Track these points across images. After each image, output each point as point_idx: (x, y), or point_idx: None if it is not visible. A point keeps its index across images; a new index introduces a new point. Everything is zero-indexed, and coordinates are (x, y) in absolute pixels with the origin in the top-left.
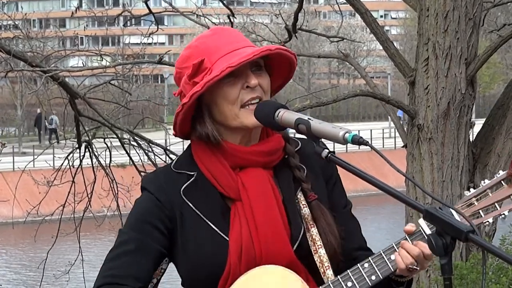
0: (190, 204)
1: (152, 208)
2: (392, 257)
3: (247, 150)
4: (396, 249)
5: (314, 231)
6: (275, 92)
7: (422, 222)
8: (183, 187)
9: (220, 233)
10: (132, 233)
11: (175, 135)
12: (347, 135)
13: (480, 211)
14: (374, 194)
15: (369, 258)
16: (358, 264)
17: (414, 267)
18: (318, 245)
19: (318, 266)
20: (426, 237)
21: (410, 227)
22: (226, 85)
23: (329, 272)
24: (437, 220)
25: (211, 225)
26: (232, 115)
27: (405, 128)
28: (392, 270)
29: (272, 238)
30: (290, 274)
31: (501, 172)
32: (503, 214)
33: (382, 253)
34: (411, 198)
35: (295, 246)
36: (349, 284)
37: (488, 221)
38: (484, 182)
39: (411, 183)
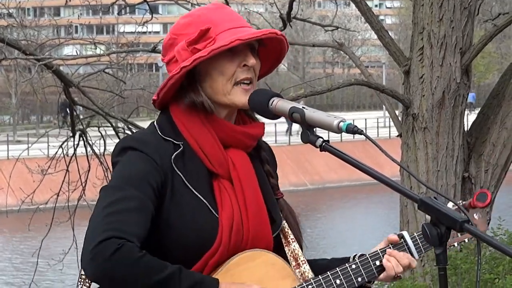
0: (180, 174)
1: (150, 169)
2: (377, 262)
3: (237, 129)
4: (382, 256)
5: (285, 224)
6: (259, 78)
7: (406, 234)
8: (173, 156)
9: (210, 207)
10: (133, 190)
11: (154, 101)
12: (341, 124)
13: None
14: (369, 183)
15: (356, 260)
16: (346, 264)
17: (400, 275)
18: (291, 238)
19: (289, 259)
20: (408, 251)
21: (394, 237)
22: (224, 59)
23: (306, 267)
24: (432, 210)
25: (202, 198)
26: (224, 91)
27: (399, 118)
28: (376, 275)
29: (259, 221)
30: (281, 262)
31: (461, 202)
32: (462, 241)
33: (369, 258)
34: (405, 188)
35: (275, 233)
36: (338, 282)
37: (454, 245)
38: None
39: (406, 172)
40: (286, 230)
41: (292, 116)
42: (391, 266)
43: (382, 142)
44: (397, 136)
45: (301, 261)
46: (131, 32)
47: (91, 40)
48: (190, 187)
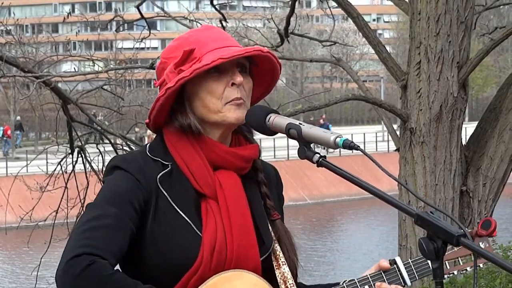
0: (165, 193)
1: (132, 187)
2: (366, 287)
3: (227, 150)
4: (371, 282)
5: (277, 247)
6: (256, 101)
7: (399, 260)
8: (159, 175)
9: (194, 227)
10: (111, 208)
11: (148, 125)
12: (338, 139)
13: (447, 262)
14: (368, 197)
15: (344, 284)
16: (337, 287)
17: None
18: (281, 261)
19: (279, 282)
20: (400, 277)
21: (386, 263)
22: (211, 79)
23: None
24: (428, 224)
25: (186, 218)
26: (215, 109)
27: (397, 132)
28: None
29: (245, 243)
30: (263, 283)
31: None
32: (465, 269)
33: (357, 283)
34: (402, 202)
35: (264, 256)
36: None
37: (453, 273)
38: None
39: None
40: (277, 253)
41: (289, 132)
42: None
43: (381, 156)
44: (395, 150)
45: (290, 284)
46: (129, 48)
47: (89, 56)
48: (175, 206)
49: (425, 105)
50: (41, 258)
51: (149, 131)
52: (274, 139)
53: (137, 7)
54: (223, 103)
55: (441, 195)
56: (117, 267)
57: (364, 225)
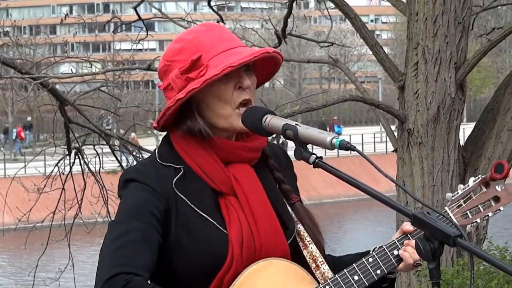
0: (183, 197)
1: (151, 198)
2: (395, 252)
3: (236, 145)
4: (399, 245)
5: (301, 227)
6: (257, 87)
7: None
8: (174, 180)
9: (218, 225)
10: (135, 222)
11: (156, 127)
12: (334, 140)
13: (468, 211)
14: (366, 199)
15: (373, 252)
16: (363, 258)
17: (419, 262)
18: (307, 241)
19: (309, 261)
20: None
21: (409, 226)
22: (219, 84)
23: (325, 267)
24: (425, 225)
25: (208, 218)
26: (224, 115)
27: (395, 133)
28: (396, 265)
29: (270, 231)
30: (294, 267)
31: (480, 177)
32: (486, 215)
33: (385, 249)
34: (399, 203)
35: (290, 239)
36: (356, 277)
37: (476, 221)
38: (468, 185)
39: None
40: (302, 233)
41: (285, 133)
42: (408, 255)
43: (379, 157)
44: (393, 151)
45: (320, 262)
46: (127, 50)
47: (86, 58)
48: (195, 208)
49: (423, 106)
50: (38, 260)
51: (133, 134)
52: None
53: (135, 8)
54: (233, 107)
55: (439, 196)
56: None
57: (363, 226)
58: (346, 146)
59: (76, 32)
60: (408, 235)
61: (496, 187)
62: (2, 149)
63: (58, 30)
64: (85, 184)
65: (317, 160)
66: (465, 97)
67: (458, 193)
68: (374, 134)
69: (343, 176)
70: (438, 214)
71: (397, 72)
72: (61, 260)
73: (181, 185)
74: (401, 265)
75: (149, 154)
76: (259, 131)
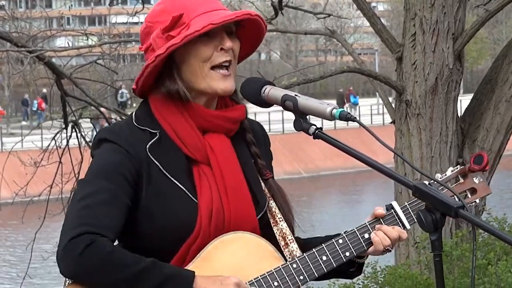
0: (156, 162)
1: (123, 160)
2: (366, 235)
3: (214, 114)
4: (370, 229)
5: (272, 204)
6: (241, 60)
7: (395, 205)
8: (148, 144)
9: (189, 194)
10: (104, 183)
11: (134, 90)
12: (334, 111)
13: (468, 192)
14: (364, 170)
15: (343, 234)
16: (333, 240)
17: (389, 248)
18: (278, 218)
19: (278, 239)
20: (398, 221)
21: (381, 210)
22: (200, 44)
23: (294, 246)
24: (426, 196)
25: (180, 185)
26: (202, 74)
27: (393, 104)
28: (365, 248)
29: (241, 203)
30: (262, 242)
31: (459, 167)
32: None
33: (356, 231)
34: (400, 174)
35: (260, 214)
36: (324, 258)
37: (475, 201)
38: (446, 174)
39: (400, 159)
40: (273, 210)
41: (284, 104)
42: (378, 240)
43: (376, 129)
44: (391, 123)
45: (289, 240)
46: (123, 23)
47: (82, 31)
48: (167, 174)
49: (421, 77)
50: (35, 233)
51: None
52: (269, 112)
53: None
54: (209, 66)
55: (437, 167)
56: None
57: (360, 197)
58: (346, 116)
59: (72, 5)
60: (380, 219)
61: (474, 179)
62: (24, 121)
63: (53, 4)
64: (82, 158)
65: (317, 131)
66: (463, 68)
67: (439, 179)
68: (371, 106)
69: (343, 147)
70: (438, 184)
71: (394, 43)
72: (58, 234)
73: (155, 150)
74: (371, 249)
75: None
76: (258, 101)
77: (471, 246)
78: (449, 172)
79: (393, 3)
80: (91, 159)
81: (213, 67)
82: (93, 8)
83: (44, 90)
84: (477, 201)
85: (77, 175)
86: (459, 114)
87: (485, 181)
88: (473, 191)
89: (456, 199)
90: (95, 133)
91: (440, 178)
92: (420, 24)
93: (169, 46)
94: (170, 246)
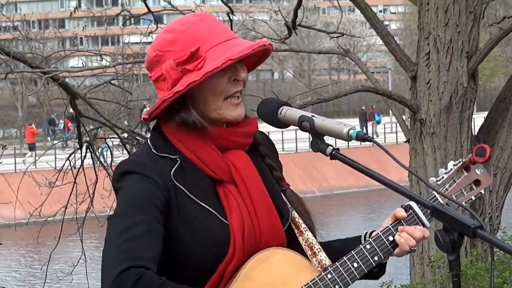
0: (183, 188)
1: (152, 190)
2: (390, 238)
3: (231, 131)
4: (394, 231)
5: (295, 214)
6: None
7: (414, 205)
8: (172, 171)
9: (219, 215)
10: (140, 214)
11: (146, 119)
12: (351, 131)
13: (453, 196)
14: (377, 189)
15: (370, 239)
16: (361, 246)
17: (414, 248)
18: (303, 228)
19: (305, 249)
20: (418, 220)
21: (402, 212)
22: (215, 77)
23: (322, 255)
24: (444, 216)
25: (209, 208)
26: (214, 107)
27: (407, 123)
28: (392, 251)
29: (269, 219)
30: (296, 255)
31: (461, 161)
32: (470, 199)
33: (381, 235)
34: (418, 195)
35: (285, 227)
36: (356, 265)
37: (471, 198)
38: (450, 169)
39: (415, 178)
40: (297, 220)
41: (301, 125)
42: (403, 241)
43: (390, 147)
44: (405, 141)
45: (317, 249)
46: (136, 43)
47: (96, 51)
48: (195, 198)
49: (435, 96)
50: (51, 254)
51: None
52: (282, 132)
53: (144, 1)
54: (222, 98)
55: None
56: None
57: (373, 216)
58: (363, 137)
59: (85, 26)
60: (402, 221)
61: (476, 170)
62: (49, 139)
63: (67, 24)
64: (96, 178)
65: (334, 152)
66: (477, 87)
67: (442, 177)
68: (384, 124)
69: (361, 168)
70: (455, 204)
71: (408, 62)
72: (74, 255)
73: (180, 176)
74: (397, 250)
75: None
76: (274, 122)
77: (486, 265)
78: (451, 166)
79: (405, 22)
80: (108, 179)
81: (225, 98)
82: (107, 29)
83: (71, 110)
84: (482, 191)
85: (91, 195)
86: (473, 133)
87: (485, 171)
88: (477, 182)
89: (473, 218)
90: (109, 153)
91: (446, 173)
92: (434, 43)
93: (190, 83)
94: (205, 270)
